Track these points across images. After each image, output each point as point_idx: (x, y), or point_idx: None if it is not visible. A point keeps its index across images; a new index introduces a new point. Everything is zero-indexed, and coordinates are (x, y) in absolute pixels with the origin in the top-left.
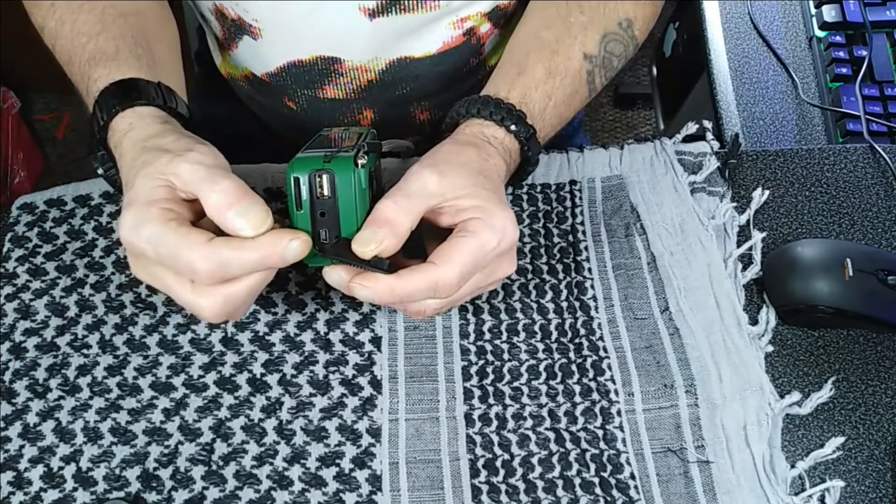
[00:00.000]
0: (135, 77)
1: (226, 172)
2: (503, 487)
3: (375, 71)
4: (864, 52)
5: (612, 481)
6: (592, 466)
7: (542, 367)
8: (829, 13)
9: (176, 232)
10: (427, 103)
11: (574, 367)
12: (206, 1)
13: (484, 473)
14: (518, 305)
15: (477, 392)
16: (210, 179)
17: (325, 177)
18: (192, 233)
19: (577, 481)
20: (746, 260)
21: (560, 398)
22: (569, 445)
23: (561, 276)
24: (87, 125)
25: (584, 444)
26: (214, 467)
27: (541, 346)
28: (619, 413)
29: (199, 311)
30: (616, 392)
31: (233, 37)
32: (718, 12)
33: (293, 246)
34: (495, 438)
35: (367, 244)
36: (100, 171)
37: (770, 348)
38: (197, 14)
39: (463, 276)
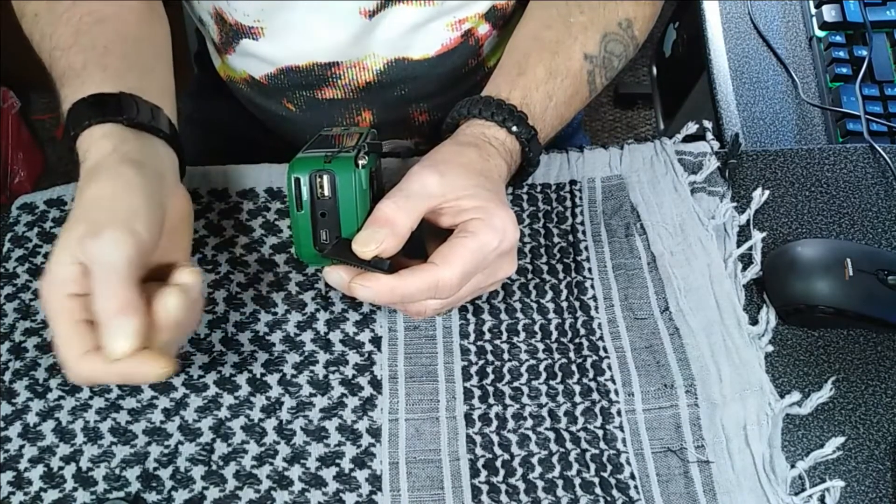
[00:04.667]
0: (96, 93)
1: (119, 278)
2: (503, 487)
3: (373, 71)
4: (864, 52)
5: (612, 481)
6: (592, 466)
7: (542, 367)
8: (829, 13)
9: (67, 327)
10: (426, 105)
11: (574, 367)
12: (206, 2)
13: (484, 473)
14: (518, 305)
15: (477, 392)
16: (103, 282)
17: (325, 177)
18: (77, 337)
19: (577, 481)
20: (746, 260)
21: (560, 398)
22: (569, 445)
23: (561, 276)
24: None
25: (584, 444)
26: (214, 467)
27: (541, 346)
28: (619, 413)
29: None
30: (616, 392)
31: (231, 41)
32: (718, 12)
33: (153, 376)
34: (495, 438)
35: (368, 244)
36: None
37: (770, 348)
38: (194, 18)
39: (464, 277)
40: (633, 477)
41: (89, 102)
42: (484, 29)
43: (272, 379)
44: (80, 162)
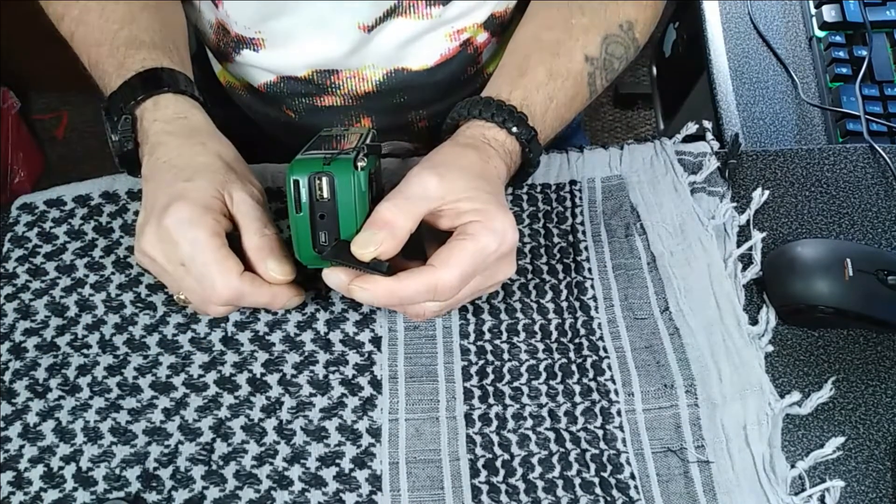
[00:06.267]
0: (181, 71)
1: (269, 218)
2: (503, 487)
3: (372, 81)
4: (864, 52)
5: (612, 481)
6: (592, 466)
7: (542, 367)
8: (829, 13)
9: (217, 251)
10: (425, 112)
11: (574, 367)
12: (209, 14)
13: (484, 473)
14: (518, 305)
15: (477, 392)
16: (260, 221)
17: (324, 179)
18: (230, 260)
19: (577, 481)
20: (746, 260)
21: (560, 398)
22: (569, 445)
23: (561, 276)
24: (86, 125)
25: (584, 444)
26: (214, 467)
27: (541, 346)
28: (619, 413)
29: (209, 297)
30: (616, 392)
31: (231, 51)
32: (718, 12)
33: (294, 301)
34: (495, 438)
35: (367, 246)
36: (113, 137)
37: (770, 348)
38: (192, 23)
39: (462, 280)
40: (633, 477)
41: (176, 76)
42: (482, 37)
43: (272, 379)
44: (173, 115)
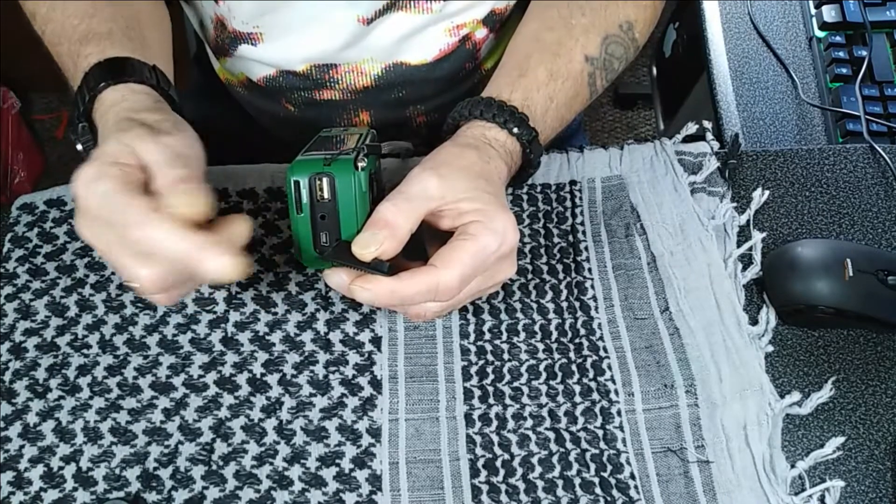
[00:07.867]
0: (129, 56)
1: (185, 161)
2: (503, 487)
3: (371, 75)
4: (864, 52)
5: (612, 481)
6: (592, 466)
7: (542, 367)
8: (829, 13)
9: (126, 194)
10: (423, 107)
11: (574, 367)
12: (209, 3)
13: (484, 473)
14: (518, 305)
15: (477, 392)
16: (168, 164)
17: (325, 180)
18: (141, 200)
19: (577, 481)
20: (746, 260)
21: (560, 398)
22: (569, 445)
23: (561, 276)
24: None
25: (584, 444)
26: (214, 467)
27: (541, 346)
28: (619, 413)
29: (136, 279)
30: (616, 392)
31: (229, 47)
32: (718, 12)
33: (217, 262)
34: (495, 438)
35: (367, 246)
36: (78, 147)
37: (770, 348)
38: (194, 22)
39: (463, 280)
40: (633, 477)
41: (123, 63)
42: (481, 33)
43: (272, 379)
44: (114, 102)
